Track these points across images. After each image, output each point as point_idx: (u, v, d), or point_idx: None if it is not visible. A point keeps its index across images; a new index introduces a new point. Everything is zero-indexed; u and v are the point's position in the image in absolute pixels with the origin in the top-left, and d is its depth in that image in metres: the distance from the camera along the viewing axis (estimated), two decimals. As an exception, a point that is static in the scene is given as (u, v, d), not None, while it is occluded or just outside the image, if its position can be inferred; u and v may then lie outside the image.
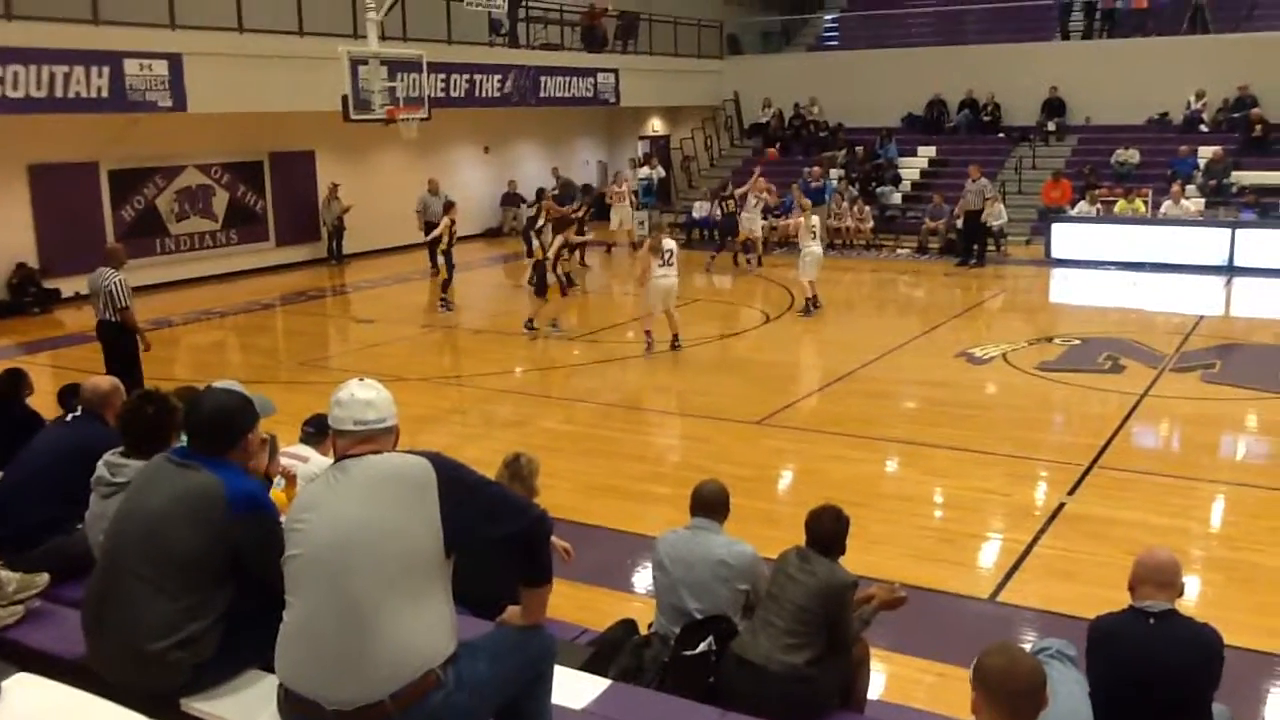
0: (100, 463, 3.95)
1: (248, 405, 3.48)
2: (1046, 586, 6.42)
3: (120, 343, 9.84)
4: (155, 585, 3.15)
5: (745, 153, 26.97)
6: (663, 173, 25.10)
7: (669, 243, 12.81)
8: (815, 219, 15.14)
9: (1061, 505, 7.72)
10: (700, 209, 23.11)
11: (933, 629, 5.72)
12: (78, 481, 4.11)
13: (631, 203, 21.94)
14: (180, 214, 18.47)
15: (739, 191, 19.77)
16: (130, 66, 15.10)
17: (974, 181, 19.07)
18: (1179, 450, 9.46)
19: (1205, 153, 21.00)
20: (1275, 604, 6.25)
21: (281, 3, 17.04)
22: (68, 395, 6.40)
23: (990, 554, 7.09)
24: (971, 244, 19.25)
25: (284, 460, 5.29)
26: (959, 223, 19.72)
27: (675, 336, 12.74)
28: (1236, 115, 21.69)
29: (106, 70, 14.82)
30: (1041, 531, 7.23)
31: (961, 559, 6.97)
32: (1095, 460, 8.65)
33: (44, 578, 4.00)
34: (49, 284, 16.18)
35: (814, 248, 14.74)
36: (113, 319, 9.74)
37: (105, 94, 14.87)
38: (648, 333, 12.81)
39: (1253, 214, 19.04)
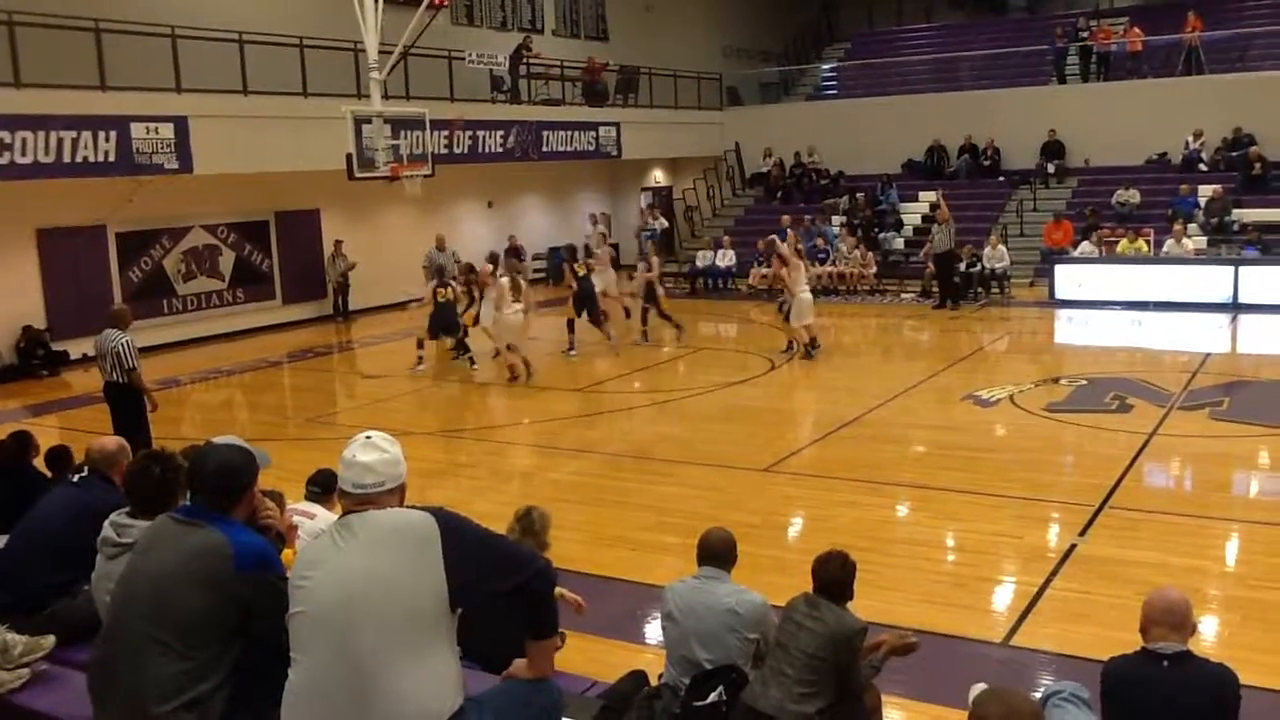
0: (106, 523, 3.95)
1: (251, 460, 3.49)
2: (1060, 629, 6.36)
3: (127, 404, 9.86)
4: (162, 646, 3.13)
5: (748, 201, 27.18)
6: (666, 223, 25.28)
7: (520, 281, 14.44)
8: (801, 266, 15.31)
9: (1073, 546, 7.66)
10: (704, 258, 23.23)
11: (946, 674, 5.65)
12: (84, 543, 4.11)
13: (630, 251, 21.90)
14: (187, 274, 18.62)
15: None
16: (137, 130, 15.31)
17: (940, 225, 19.09)
18: (1190, 489, 9.40)
19: (1205, 191, 21.12)
20: (1293, 643, 6.19)
21: (285, 64, 17.28)
22: (55, 458, 6.43)
23: (1003, 597, 7.03)
24: (947, 287, 19.28)
25: (291, 518, 5.28)
26: (929, 267, 19.80)
27: (512, 370, 14.21)
28: (1235, 154, 21.83)
29: (114, 134, 15.02)
30: (1054, 573, 7.17)
31: (974, 603, 6.91)
32: (1106, 500, 8.59)
33: (50, 640, 3.99)
34: (57, 346, 16.27)
35: (804, 294, 14.88)
36: (119, 380, 9.77)
37: (113, 158, 15.06)
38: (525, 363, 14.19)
39: (1255, 251, 19.09)
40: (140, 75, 15.58)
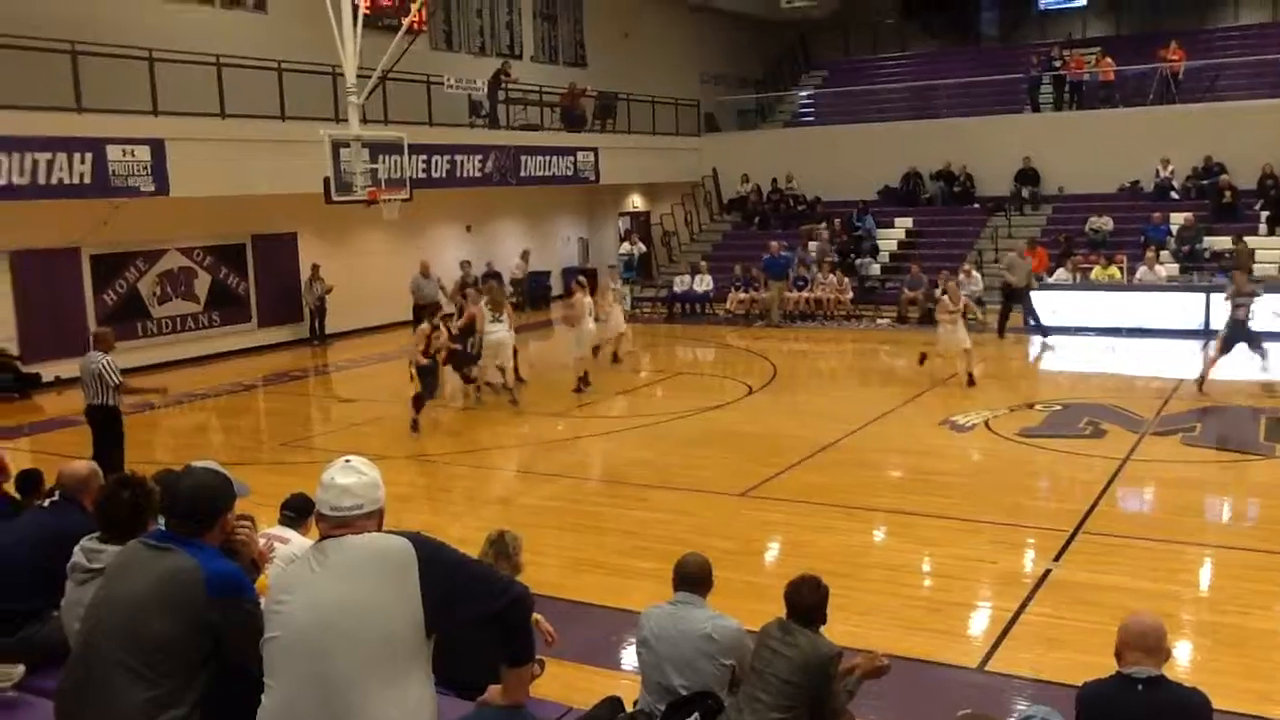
0: (77, 548, 3.91)
1: (227, 485, 3.46)
2: (1035, 654, 6.38)
3: (110, 427, 9.86)
4: (133, 672, 3.10)
5: (725, 227, 27.31)
6: (643, 248, 25.35)
7: (502, 301, 14.49)
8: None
9: (1048, 572, 7.70)
10: (681, 283, 23.33)
11: (921, 699, 5.66)
12: (54, 568, 4.07)
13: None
14: (162, 297, 18.52)
15: None
16: (113, 153, 15.26)
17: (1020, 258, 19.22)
18: (1163, 514, 9.46)
19: (1177, 219, 21.37)
20: (1263, 667, 6.22)
21: (263, 87, 17.28)
22: (26, 481, 6.37)
23: (978, 622, 7.05)
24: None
25: (263, 541, 5.25)
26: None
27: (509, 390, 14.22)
28: (1205, 182, 22.12)
29: (89, 156, 14.96)
30: (1029, 599, 7.20)
31: (949, 628, 6.92)
32: (1080, 526, 8.64)
33: (19, 669, 3.94)
34: (29, 369, 16.12)
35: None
36: (103, 403, 9.76)
37: (88, 180, 15.00)
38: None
39: (1226, 278, 19.29)
40: (117, 97, 15.55)
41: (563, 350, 16.30)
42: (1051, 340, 18.38)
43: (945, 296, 15.36)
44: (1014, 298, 18.76)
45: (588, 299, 15.60)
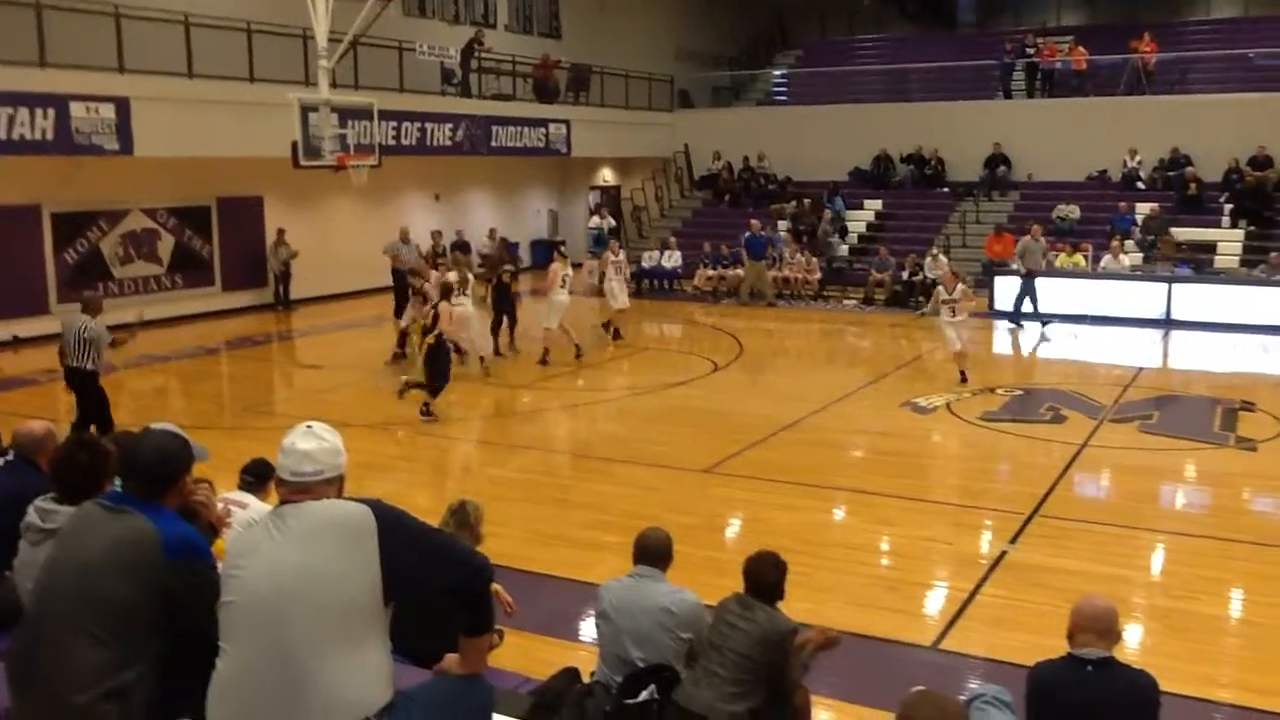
0: (31, 508, 3.86)
1: (186, 448, 3.42)
2: (989, 634, 6.47)
3: (90, 388, 9.84)
4: (86, 634, 3.06)
5: (695, 204, 27.28)
6: (613, 223, 25.27)
7: (469, 275, 14.33)
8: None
9: (1003, 554, 7.79)
10: (650, 259, 23.32)
11: (876, 676, 5.73)
12: (9, 529, 4.02)
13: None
14: (125, 258, 18.28)
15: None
16: (77, 109, 14.98)
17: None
18: (1118, 500, 9.59)
19: (1142, 209, 21.57)
20: (1210, 651, 6.36)
21: (232, 48, 17.03)
22: None
23: (934, 602, 7.13)
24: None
25: (221, 506, 5.22)
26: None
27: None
28: (1172, 174, 22.34)
29: (52, 113, 14.69)
30: (984, 580, 7.29)
31: (905, 607, 7.00)
32: (1037, 509, 8.75)
33: (-30, 632, 3.89)
34: (-14, 328, 15.89)
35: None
36: (79, 365, 9.71)
37: (50, 136, 14.72)
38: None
39: (1188, 269, 19.56)
40: (82, 54, 15.25)
41: (531, 323, 16.24)
42: (1050, 330, 17.96)
43: (940, 287, 13.88)
44: (1030, 282, 18.18)
45: (567, 270, 15.37)
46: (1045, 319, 18.22)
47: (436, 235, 20.09)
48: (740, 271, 21.94)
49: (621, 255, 17.95)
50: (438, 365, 11.66)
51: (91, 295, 10.39)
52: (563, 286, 15.04)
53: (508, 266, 16.46)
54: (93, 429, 9.29)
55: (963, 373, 13.53)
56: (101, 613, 3.08)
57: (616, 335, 17.04)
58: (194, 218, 19.41)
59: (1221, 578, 7.45)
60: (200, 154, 17.08)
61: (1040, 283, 18.29)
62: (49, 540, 3.57)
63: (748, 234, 21.73)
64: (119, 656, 3.07)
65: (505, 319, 15.64)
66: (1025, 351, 17.45)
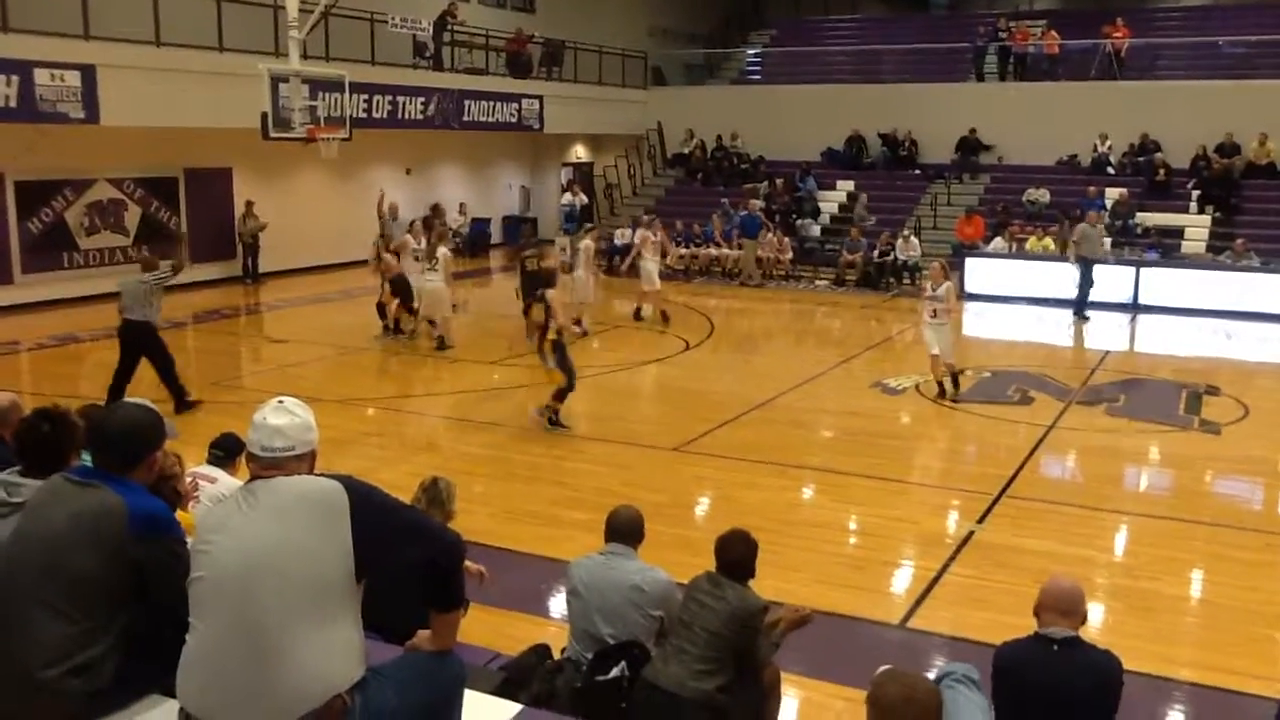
0: (-5, 482, 3.81)
1: (159, 423, 3.39)
2: (956, 613, 6.54)
3: (152, 341, 10.67)
4: (52, 609, 3.03)
5: (668, 182, 27.21)
6: (585, 200, 25.18)
7: (442, 250, 14.28)
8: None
9: (971, 534, 7.87)
10: (622, 236, 23.25)
11: (844, 654, 5.78)
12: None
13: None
14: (90, 228, 18.03)
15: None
16: (41, 76, 14.70)
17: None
18: (1084, 481, 9.70)
19: (1112, 194, 21.71)
20: (1172, 631, 6.46)
21: (201, 17, 16.77)
22: None
23: (901, 581, 7.19)
24: None
25: (189, 480, 5.18)
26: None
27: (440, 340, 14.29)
28: (1141, 159, 22.49)
29: (15, 79, 14.41)
30: (951, 559, 7.36)
31: (873, 585, 7.06)
32: (1004, 490, 8.84)
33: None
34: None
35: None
36: (140, 319, 10.49)
37: (13, 103, 14.45)
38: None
39: (1156, 254, 19.75)
40: (46, 19, 14.98)
41: (502, 299, 16.16)
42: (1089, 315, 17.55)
43: (928, 283, 12.43)
44: (1090, 270, 17.64)
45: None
46: (1084, 310, 17.59)
47: (436, 209, 19.10)
48: (713, 250, 21.94)
49: (660, 235, 17.52)
50: (567, 362, 10.56)
51: (147, 257, 11.29)
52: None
53: (530, 252, 14.40)
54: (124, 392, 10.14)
55: (940, 384, 11.95)
56: (66, 587, 3.05)
57: (664, 318, 16.57)
58: (161, 188, 19.16)
59: (1183, 558, 7.57)
60: (168, 124, 16.82)
61: (1009, 265, 18.31)
62: (15, 514, 3.52)
63: (744, 213, 21.76)
64: (85, 631, 3.04)
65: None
66: (993, 334, 17.56)
